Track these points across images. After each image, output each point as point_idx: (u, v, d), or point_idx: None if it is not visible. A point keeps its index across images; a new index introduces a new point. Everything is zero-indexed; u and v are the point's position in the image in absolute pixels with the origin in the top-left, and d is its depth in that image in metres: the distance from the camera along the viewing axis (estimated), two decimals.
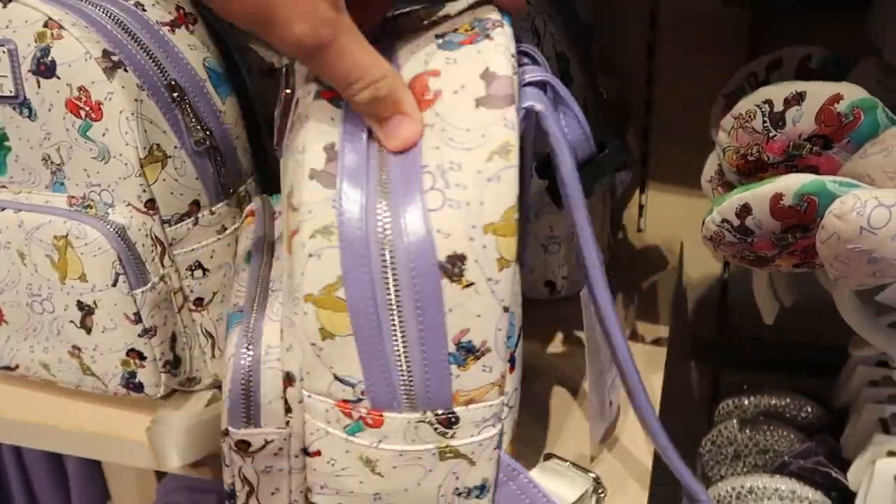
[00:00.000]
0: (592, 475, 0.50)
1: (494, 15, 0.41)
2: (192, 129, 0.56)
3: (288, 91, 0.43)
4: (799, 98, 0.49)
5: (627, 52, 0.75)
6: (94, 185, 0.56)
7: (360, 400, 0.41)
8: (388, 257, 0.38)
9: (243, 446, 0.44)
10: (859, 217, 0.43)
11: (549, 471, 0.50)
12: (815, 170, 0.51)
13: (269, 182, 0.64)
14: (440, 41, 0.41)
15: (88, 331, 0.58)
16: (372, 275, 0.38)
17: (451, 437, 0.41)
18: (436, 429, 0.41)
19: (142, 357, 0.58)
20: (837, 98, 0.48)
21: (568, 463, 0.51)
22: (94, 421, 0.62)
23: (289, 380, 0.42)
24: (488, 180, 0.38)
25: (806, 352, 0.81)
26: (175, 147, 0.56)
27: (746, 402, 0.73)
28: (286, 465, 0.44)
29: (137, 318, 0.56)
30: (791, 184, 0.46)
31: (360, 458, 0.42)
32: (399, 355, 0.39)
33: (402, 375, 0.40)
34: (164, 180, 0.56)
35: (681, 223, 0.77)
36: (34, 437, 0.64)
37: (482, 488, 0.44)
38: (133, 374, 0.59)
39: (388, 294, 0.38)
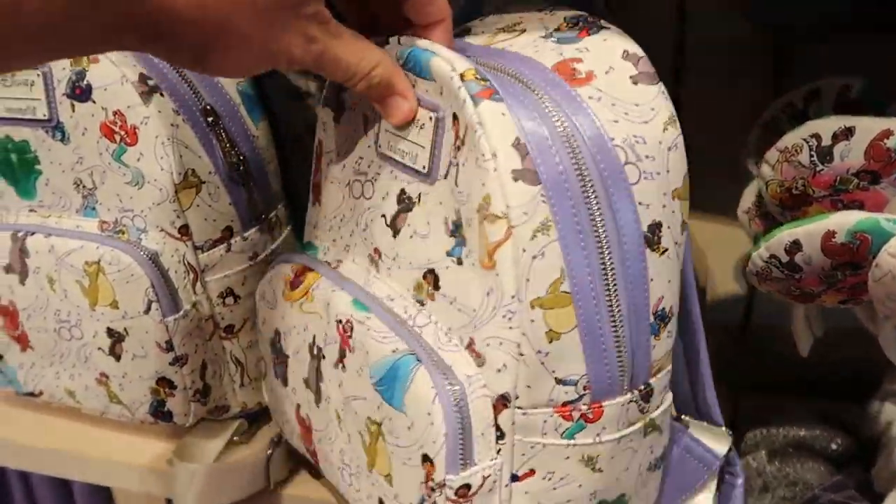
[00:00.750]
0: (727, 430, 0.49)
1: (577, 12, 0.44)
2: (227, 153, 0.56)
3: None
4: (848, 133, 0.48)
5: None
6: (127, 210, 0.55)
7: (581, 397, 0.40)
8: (602, 237, 0.39)
9: (464, 492, 0.40)
10: None
11: (695, 428, 0.49)
12: (860, 205, 0.51)
13: (298, 209, 0.64)
14: (553, 38, 0.43)
15: (118, 358, 0.57)
16: (589, 258, 0.38)
17: (650, 410, 0.42)
18: (639, 406, 0.42)
19: (172, 385, 0.57)
20: (888, 133, 0.48)
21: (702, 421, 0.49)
22: (108, 447, 0.61)
23: (503, 403, 0.40)
24: (668, 149, 0.40)
25: (828, 375, 0.80)
26: (210, 172, 0.55)
27: (775, 433, 0.72)
28: (497, 500, 0.41)
29: (169, 346, 0.55)
30: (844, 221, 0.46)
31: (581, 460, 0.41)
32: (616, 336, 0.40)
33: (619, 357, 0.40)
34: (198, 206, 0.55)
35: (709, 247, 0.77)
36: (44, 463, 0.63)
37: (662, 457, 0.45)
38: (162, 403, 0.58)
39: (605, 274, 0.39)
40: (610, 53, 0.41)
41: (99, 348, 0.57)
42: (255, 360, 0.60)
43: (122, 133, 0.53)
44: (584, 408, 0.40)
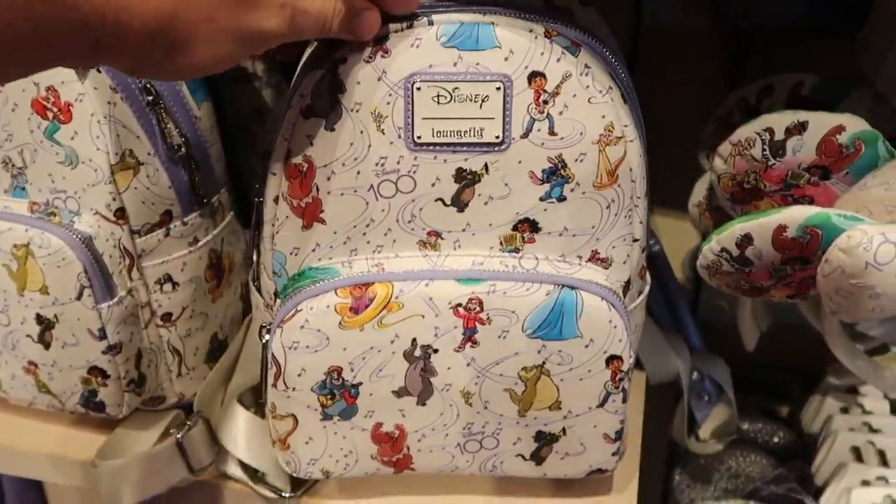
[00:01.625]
0: None
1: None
2: (168, 134, 0.53)
3: None
4: (801, 127, 0.48)
5: None
6: (60, 191, 0.52)
7: (646, 255, 0.51)
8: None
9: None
10: (866, 252, 0.43)
11: None
12: (810, 200, 0.51)
13: (242, 195, 0.62)
14: None
15: (47, 346, 0.54)
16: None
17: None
18: None
19: (104, 375, 0.54)
20: (840, 129, 0.48)
21: None
22: (37, 439, 0.59)
23: (626, 288, 0.50)
24: None
25: (772, 370, 0.81)
26: (149, 153, 0.53)
27: None
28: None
29: (102, 334, 0.53)
30: (796, 215, 0.46)
31: (641, 307, 0.53)
32: None
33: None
34: (135, 188, 0.52)
35: (663, 241, 0.77)
36: None
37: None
38: (94, 393, 0.55)
39: None
40: None
41: (27, 335, 0.54)
42: (193, 349, 0.58)
43: (55, 110, 0.50)
44: (644, 264, 0.51)
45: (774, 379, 0.80)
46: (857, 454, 0.66)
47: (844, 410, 0.70)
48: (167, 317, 0.56)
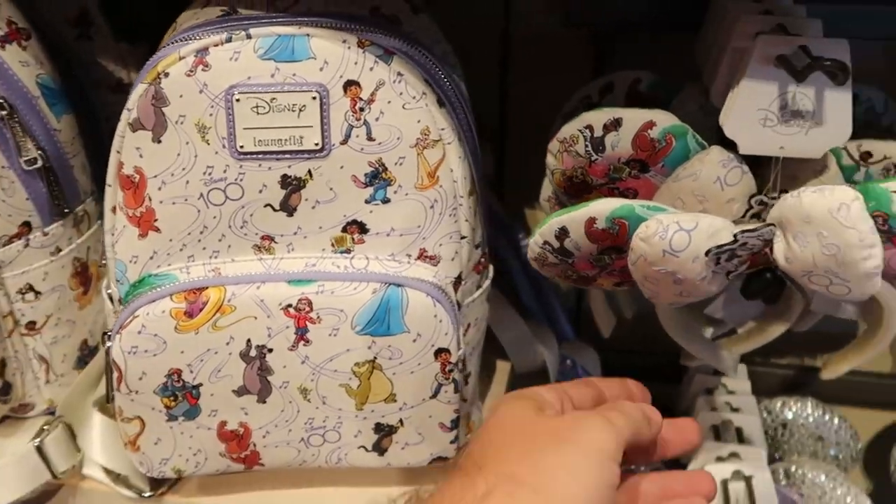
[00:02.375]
0: None
1: None
2: (23, 147, 0.55)
3: None
4: (616, 124, 0.51)
5: (479, 69, 0.76)
6: None
7: (483, 253, 0.55)
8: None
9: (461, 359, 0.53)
10: (661, 241, 0.46)
11: None
12: (635, 192, 0.53)
13: None
14: None
15: None
16: (473, 152, 0.52)
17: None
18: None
19: None
20: (651, 125, 0.50)
21: None
22: None
23: (458, 282, 0.53)
24: None
25: (646, 359, 0.84)
26: (2, 167, 0.54)
27: None
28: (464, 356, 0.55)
29: None
30: (603, 208, 0.48)
31: (486, 299, 0.57)
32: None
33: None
34: None
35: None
36: None
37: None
38: None
39: (477, 164, 0.53)
40: None
41: None
42: (61, 356, 0.59)
43: None
44: (483, 260, 0.54)
45: (643, 363, 0.82)
46: (717, 433, 0.69)
47: (709, 391, 0.73)
48: (31, 325, 0.58)
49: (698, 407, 0.71)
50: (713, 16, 0.59)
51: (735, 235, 0.46)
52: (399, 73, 0.47)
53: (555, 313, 0.72)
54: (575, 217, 0.49)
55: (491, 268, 0.57)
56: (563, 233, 0.50)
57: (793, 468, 0.70)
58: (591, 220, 0.49)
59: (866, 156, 0.52)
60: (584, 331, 0.85)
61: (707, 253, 0.46)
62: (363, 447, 0.53)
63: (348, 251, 0.50)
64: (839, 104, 0.46)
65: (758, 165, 0.51)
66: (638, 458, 0.45)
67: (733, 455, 0.66)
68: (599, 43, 0.74)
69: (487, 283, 0.56)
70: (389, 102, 0.47)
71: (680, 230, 0.46)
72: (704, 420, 0.69)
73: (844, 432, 0.75)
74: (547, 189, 0.62)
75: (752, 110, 0.47)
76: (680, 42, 0.67)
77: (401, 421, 0.52)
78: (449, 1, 0.72)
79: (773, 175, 0.50)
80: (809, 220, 0.43)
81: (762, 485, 0.64)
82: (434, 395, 0.51)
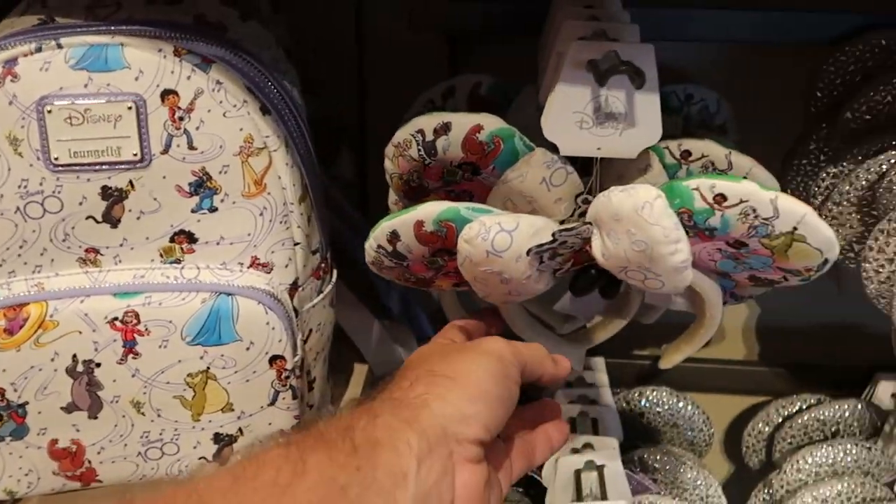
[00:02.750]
0: None
1: None
2: None
3: None
4: (446, 128, 0.52)
5: (338, 73, 0.77)
6: None
7: (323, 258, 0.57)
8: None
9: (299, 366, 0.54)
10: (484, 242, 0.47)
11: None
12: (470, 195, 0.55)
13: None
14: None
15: None
16: (305, 161, 0.53)
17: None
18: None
19: None
20: (478, 128, 0.51)
21: None
22: None
23: (294, 288, 0.53)
24: None
25: None
26: None
27: None
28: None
29: None
30: (430, 211, 0.49)
31: (329, 304, 0.58)
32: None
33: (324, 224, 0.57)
34: None
35: None
36: None
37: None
38: None
39: (314, 173, 0.55)
40: None
41: None
42: None
43: None
44: (323, 265, 0.55)
45: None
46: (573, 425, 0.71)
47: (569, 384, 0.75)
48: None
49: (556, 399, 0.73)
50: (549, 20, 0.61)
51: (554, 234, 0.47)
52: (218, 82, 0.46)
53: (415, 313, 0.73)
54: (405, 220, 0.50)
55: (335, 273, 0.57)
56: (394, 236, 0.51)
57: (646, 455, 0.72)
58: (420, 224, 0.49)
59: (686, 154, 0.54)
60: None
61: (528, 252, 0.47)
62: (204, 458, 0.52)
63: (178, 261, 0.50)
64: (647, 106, 0.48)
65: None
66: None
67: (587, 446, 0.68)
68: (454, 46, 0.75)
69: (330, 287, 0.56)
70: (209, 111, 0.46)
71: (501, 231, 0.47)
72: (563, 413, 0.71)
73: (698, 418, 0.78)
74: (392, 194, 0.63)
75: (567, 113, 0.49)
76: (534, 46, 0.69)
77: (240, 430, 0.52)
78: (303, 4, 0.73)
79: (593, 175, 0.52)
80: (619, 219, 0.45)
81: (613, 474, 0.66)
82: (272, 403, 0.51)
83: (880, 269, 0.51)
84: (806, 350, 0.82)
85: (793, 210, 0.44)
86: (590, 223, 0.49)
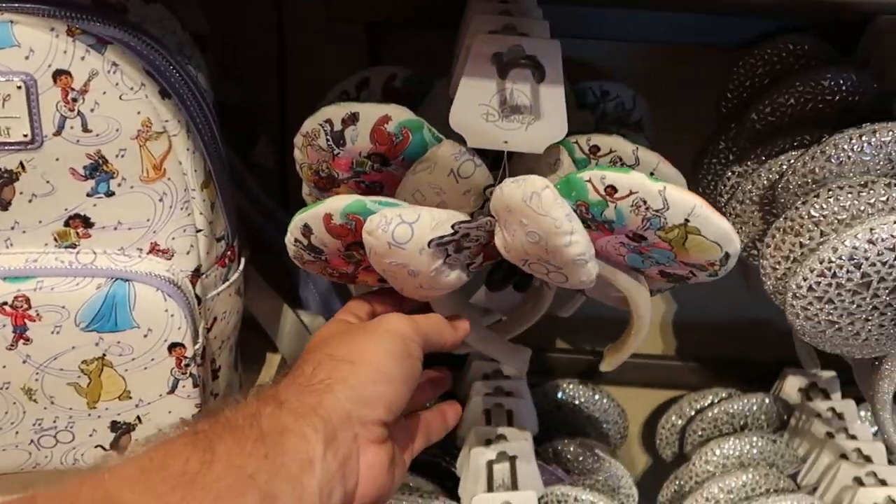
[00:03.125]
0: None
1: None
2: None
3: None
4: (354, 118, 0.51)
5: (257, 58, 0.76)
6: None
7: (227, 246, 0.56)
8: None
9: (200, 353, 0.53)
10: (384, 233, 0.47)
11: None
12: (381, 186, 0.54)
13: None
14: None
15: None
16: (208, 146, 0.52)
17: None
18: None
19: None
20: (386, 119, 0.51)
21: None
22: None
23: (196, 275, 0.52)
24: None
25: None
26: None
27: None
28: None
29: None
30: (337, 205, 0.49)
31: (236, 292, 0.58)
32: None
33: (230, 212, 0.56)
34: None
35: None
36: None
37: None
38: None
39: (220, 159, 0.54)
40: None
41: None
42: None
43: None
44: (229, 253, 0.54)
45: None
46: (488, 416, 0.71)
47: (486, 377, 0.75)
48: None
49: (473, 391, 0.73)
50: (465, 13, 0.61)
51: (454, 226, 0.48)
52: (114, 64, 0.45)
53: (333, 307, 0.72)
54: (314, 214, 0.49)
55: (243, 261, 0.56)
56: (307, 230, 0.50)
57: (560, 447, 0.73)
58: (329, 217, 0.49)
59: (595, 149, 0.55)
60: None
61: (430, 244, 0.47)
62: (100, 446, 0.51)
63: (73, 246, 0.48)
64: (553, 101, 0.49)
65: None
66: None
67: (500, 437, 0.68)
68: (373, 36, 0.75)
69: (236, 276, 0.55)
70: (105, 93, 0.45)
71: (402, 223, 0.47)
72: (477, 405, 0.72)
73: (613, 411, 0.79)
74: (305, 185, 0.62)
75: (473, 105, 0.49)
76: (453, 38, 0.69)
77: (138, 418, 0.51)
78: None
79: (501, 168, 0.52)
80: (510, 210, 0.45)
81: (526, 465, 0.66)
82: (172, 391, 0.50)
83: (777, 266, 0.52)
84: (720, 345, 0.84)
85: (683, 201, 0.44)
86: (491, 216, 0.49)
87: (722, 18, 0.66)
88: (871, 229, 0.48)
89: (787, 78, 0.59)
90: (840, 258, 0.48)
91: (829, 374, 0.77)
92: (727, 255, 0.47)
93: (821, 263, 0.49)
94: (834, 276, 0.49)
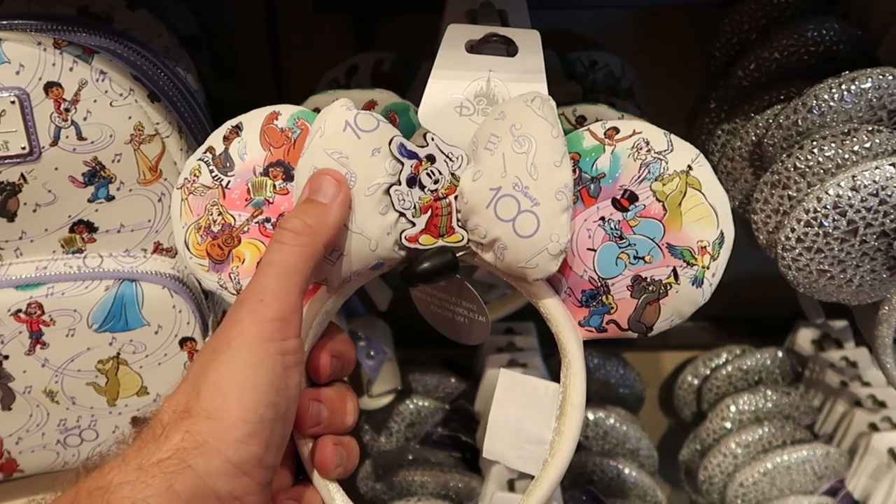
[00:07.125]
0: None
1: None
2: None
3: None
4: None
5: (251, 57, 0.77)
6: None
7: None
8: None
9: None
10: (348, 111, 0.41)
11: None
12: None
13: None
14: None
15: None
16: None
17: None
18: None
19: None
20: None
21: None
22: None
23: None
24: None
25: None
26: None
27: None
28: None
29: None
30: (290, 108, 0.43)
31: None
32: None
33: None
34: None
35: None
36: None
37: None
38: None
39: None
40: None
41: None
42: None
43: None
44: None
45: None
46: None
47: (500, 350, 0.76)
48: None
49: (488, 364, 0.74)
50: None
51: (425, 135, 0.42)
52: (102, 72, 0.47)
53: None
54: (257, 113, 0.42)
55: None
56: (235, 131, 0.42)
57: None
58: (274, 115, 0.42)
59: (581, 120, 0.55)
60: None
61: (392, 142, 0.42)
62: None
63: (80, 251, 0.50)
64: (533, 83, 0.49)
65: None
66: None
67: None
68: (360, 23, 0.76)
69: None
70: (95, 101, 0.47)
71: (371, 115, 0.40)
72: (492, 376, 0.73)
73: (629, 375, 0.80)
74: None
75: (445, 98, 0.49)
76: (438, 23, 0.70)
77: None
78: None
79: None
80: (505, 114, 0.41)
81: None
82: None
83: (767, 220, 0.53)
84: (731, 303, 0.84)
85: (687, 146, 0.40)
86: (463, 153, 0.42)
87: None
88: (854, 176, 0.48)
89: (772, 31, 0.59)
90: (825, 207, 0.48)
91: (841, 323, 0.77)
92: (721, 237, 0.40)
93: (807, 214, 0.49)
94: (821, 225, 0.49)
